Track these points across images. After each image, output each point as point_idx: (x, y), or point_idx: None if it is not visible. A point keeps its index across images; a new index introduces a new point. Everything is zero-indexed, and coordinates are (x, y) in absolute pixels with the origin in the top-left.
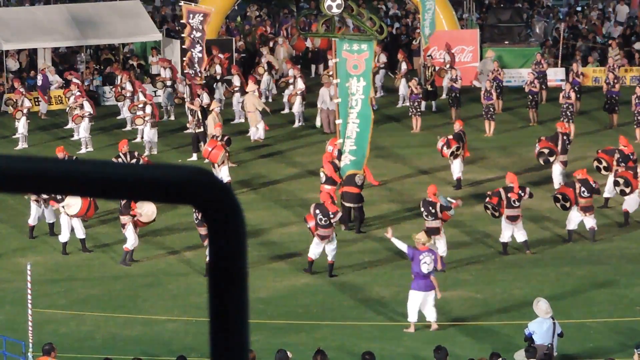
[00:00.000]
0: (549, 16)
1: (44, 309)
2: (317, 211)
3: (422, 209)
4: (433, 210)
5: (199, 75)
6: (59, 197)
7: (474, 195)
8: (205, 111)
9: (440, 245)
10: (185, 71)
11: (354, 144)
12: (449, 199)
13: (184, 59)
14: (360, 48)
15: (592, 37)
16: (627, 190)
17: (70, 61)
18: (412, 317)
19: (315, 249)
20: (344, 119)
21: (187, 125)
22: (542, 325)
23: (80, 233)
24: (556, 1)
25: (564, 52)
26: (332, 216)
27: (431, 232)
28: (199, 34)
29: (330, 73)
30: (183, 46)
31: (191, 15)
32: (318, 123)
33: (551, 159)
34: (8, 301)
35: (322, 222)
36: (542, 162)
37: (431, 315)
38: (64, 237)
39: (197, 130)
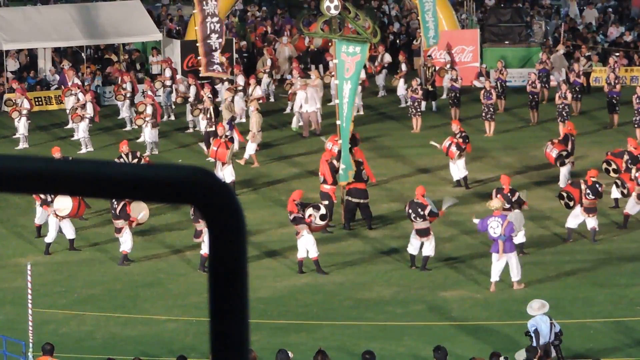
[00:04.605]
0: (549, 16)
1: (44, 309)
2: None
3: (410, 211)
4: (422, 212)
5: (219, 67)
6: (48, 199)
7: (475, 194)
8: (218, 109)
9: (428, 247)
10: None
11: (342, 148)
12: (448, 204)
13: (200, 50)
14: (355, 50)
15: (592, 37)
16: (625, 192)
17: (71, 61)
18: (492, 277)
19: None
20: (342, 120)
21: (205, 122)
22: (540, 323)
23: (70, 233)
24: (554, 1)
25: (564, 52)
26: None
27: (420, 233)
28: (213, 3)
29: (333, 73)
30: (199, 35)
31: None
32: (294, 125)
33: (567, 160)
34: (8, 301)
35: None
36: (559, 164)
37: (513, 276)
38: (49, 237)
39: (208, 129)
